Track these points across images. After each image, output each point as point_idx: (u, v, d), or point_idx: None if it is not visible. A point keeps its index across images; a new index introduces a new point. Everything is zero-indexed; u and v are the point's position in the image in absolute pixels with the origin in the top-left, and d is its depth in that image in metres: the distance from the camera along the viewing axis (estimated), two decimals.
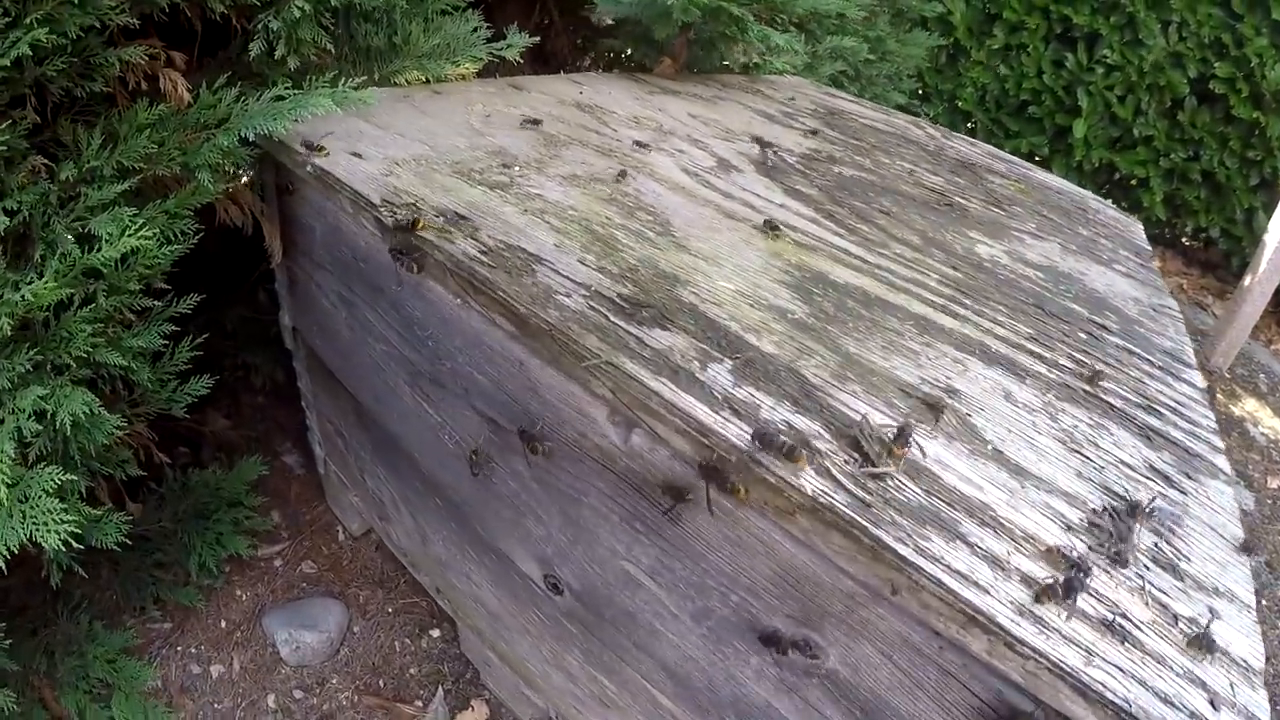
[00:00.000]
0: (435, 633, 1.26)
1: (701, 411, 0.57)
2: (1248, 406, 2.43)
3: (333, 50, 1.05)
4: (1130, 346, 0.89)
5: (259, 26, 0.90)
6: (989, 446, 0.62)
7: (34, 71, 0.77)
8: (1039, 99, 3.17)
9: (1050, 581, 0.49)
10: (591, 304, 0.67)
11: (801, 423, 0.58)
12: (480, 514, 0.90)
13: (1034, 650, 0.45)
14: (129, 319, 0.89)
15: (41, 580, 0.98)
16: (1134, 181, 3.13)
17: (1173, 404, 0.80)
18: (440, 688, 1.17)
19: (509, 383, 0.74)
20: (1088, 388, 0.77)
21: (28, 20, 0.71)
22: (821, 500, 0.51)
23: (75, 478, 0.78)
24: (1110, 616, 0.49)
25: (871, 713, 0.57)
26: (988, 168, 1.47)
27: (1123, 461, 0.67)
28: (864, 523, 0.50)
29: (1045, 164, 3.31)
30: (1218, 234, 3.04)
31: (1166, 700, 0.45)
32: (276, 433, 1.51)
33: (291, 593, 1.28)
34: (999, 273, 0.98)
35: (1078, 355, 0.83)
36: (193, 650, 1.20)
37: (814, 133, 1.35)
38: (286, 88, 0.86)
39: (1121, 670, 0.46)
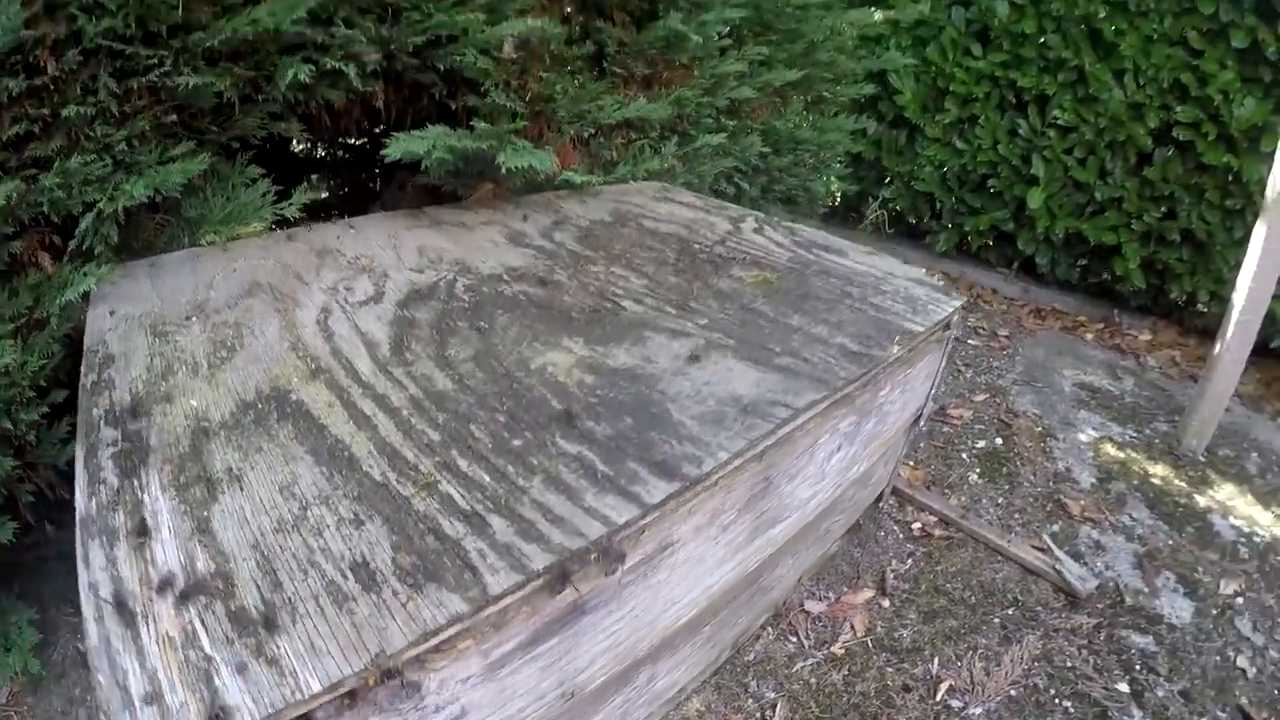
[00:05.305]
0: None
1: None
2: (1220, 494, 2.12)
3: (163, 225, 1.45)
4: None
5: (80, 229, 1.28)
6: None
7: None
8: (996, 171, 3.06)
9: None
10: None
11: None
12: None
13: None
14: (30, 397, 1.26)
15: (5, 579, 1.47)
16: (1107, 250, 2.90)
17: None
18: None
19: None
20: None
21: None
22: None
23: None
24: None
25: None
26: (755, 260, 1.54)
27: None
28: None
29: (1011, 239, 3.15)
30: (1206, 298, 2.71)
31: None
32: None
33: None
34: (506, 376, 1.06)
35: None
36: None
37: (544, 251, 1.51)
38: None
39: None
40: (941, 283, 1.58)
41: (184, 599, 0.70)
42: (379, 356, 1.09)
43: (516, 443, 0.91)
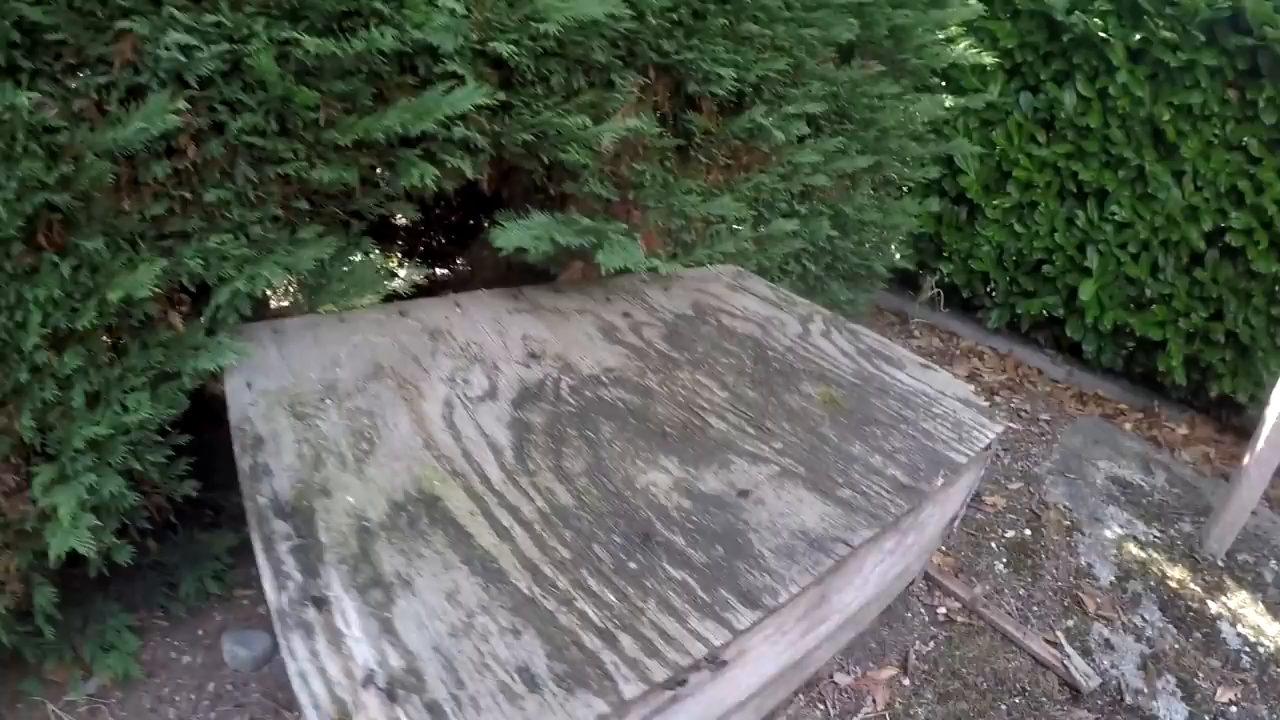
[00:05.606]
0: None
1: None
2: (1233, 601, 2.26)
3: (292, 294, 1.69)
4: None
5: (215, 303, 1.50)
6: None
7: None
8: (1051, 258, 3.18)
9: None
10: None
11: None
12: None
13: None
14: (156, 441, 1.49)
15: (102, 580, 1.64)
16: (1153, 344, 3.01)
17: None
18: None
19: None
20: None
21: None
22: None
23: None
24: None
25: None
26: (822, 373, 1.74)
27: None
28: None
29: (1060, 323, 3.26)
30: (1245, 399, 2.80)
31: None
32: None
33: (247, 622, 1.84)
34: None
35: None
36: (175, 643, 1.79)
37: (635, 350, 1.73)
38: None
39: None
40: (987, 403, 1.75)
41: (388, 693, 0.93)
42: (505, 464, 1.32)
43: (632, 565, 1.13)
